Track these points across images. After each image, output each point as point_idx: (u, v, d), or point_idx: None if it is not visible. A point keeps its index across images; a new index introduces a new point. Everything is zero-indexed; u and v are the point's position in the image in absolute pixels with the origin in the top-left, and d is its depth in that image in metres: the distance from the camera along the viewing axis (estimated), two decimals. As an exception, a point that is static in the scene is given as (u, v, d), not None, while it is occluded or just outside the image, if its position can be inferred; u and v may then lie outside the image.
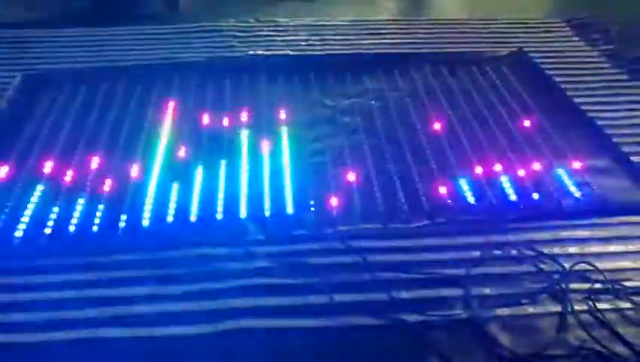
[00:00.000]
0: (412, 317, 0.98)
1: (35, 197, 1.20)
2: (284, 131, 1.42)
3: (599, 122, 1.46)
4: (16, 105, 1.50)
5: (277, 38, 1.88)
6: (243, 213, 1.18)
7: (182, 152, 1.34)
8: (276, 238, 1.12)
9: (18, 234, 1.12)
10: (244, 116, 1.47)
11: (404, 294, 1.02)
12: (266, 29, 1.93)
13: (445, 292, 1.03)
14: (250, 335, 0.95)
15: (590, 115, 1.49)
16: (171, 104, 1.52)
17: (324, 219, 1.17)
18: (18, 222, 1.14)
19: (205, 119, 1.46)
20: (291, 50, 1.80)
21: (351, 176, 1.27)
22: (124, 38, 1.85)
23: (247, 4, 2.16)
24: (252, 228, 1.14)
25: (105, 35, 1.86)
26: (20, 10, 2.11)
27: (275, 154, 1.34)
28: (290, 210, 1.19)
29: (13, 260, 1.07)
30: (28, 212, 1.16)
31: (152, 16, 2.09)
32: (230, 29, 1.92)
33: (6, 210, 1.16)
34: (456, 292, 1.03)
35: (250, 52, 1.78)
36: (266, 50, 1.80)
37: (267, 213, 1.18)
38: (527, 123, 1.47)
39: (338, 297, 1.01)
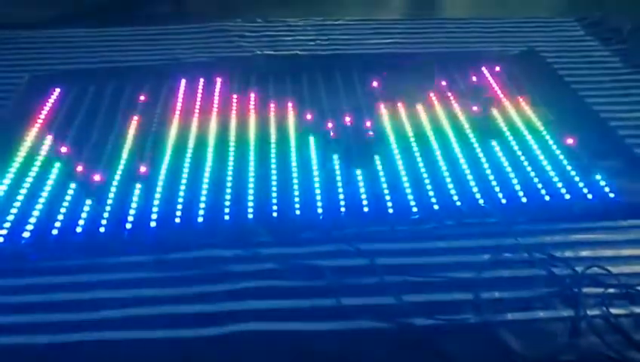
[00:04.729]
0: (421, 321, 0.96)
1: (42, 198, 1.20)
2: (292, 132, 1.41)
3: (612, 123, 1.44)
4: (24, 106, 1.50)
5: (285, 38, 1.87)
6: (250, 214, 1.17)
7: (188, 153, 1.34)
8: (284, 240, 1.11)
9: (26, 235, 1.12)
10: (252, 115, 1.47)
11: (413, 297, 1.00)
12: (273, 28, 1.92)
13: (455, 296, 1.01)
14: (258, 338, 0.94)
15: (603, 115, 1.47)
16: (179, 104, 1.52)
17: (332, 222, 1.16)
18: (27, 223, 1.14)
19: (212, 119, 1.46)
20: (300, 50, 1.79)
21: (360, 178, 1.26)
22: (131, 39, 1.85)
23: (255, 4, 2.15)
24: (260, 229, 1.14)
25: (112, 36, 1.86)
26: (27, 10, 2.12)
27: (284, 156, 1.33)
28: (298, 211, 1.18)
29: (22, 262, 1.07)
30: (35, 213, 1.16)
31: (159, 16, 2.09)
32: (237, 28, 1.91)
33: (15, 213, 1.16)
34: (466, 296, 1.01)
35: (258, 52, 1.77)
36: (274, 50, 1.79)
37: (275, 215, 1.17)
38: (537, 123, 1.44)
39: (346, 300, 1.00)
